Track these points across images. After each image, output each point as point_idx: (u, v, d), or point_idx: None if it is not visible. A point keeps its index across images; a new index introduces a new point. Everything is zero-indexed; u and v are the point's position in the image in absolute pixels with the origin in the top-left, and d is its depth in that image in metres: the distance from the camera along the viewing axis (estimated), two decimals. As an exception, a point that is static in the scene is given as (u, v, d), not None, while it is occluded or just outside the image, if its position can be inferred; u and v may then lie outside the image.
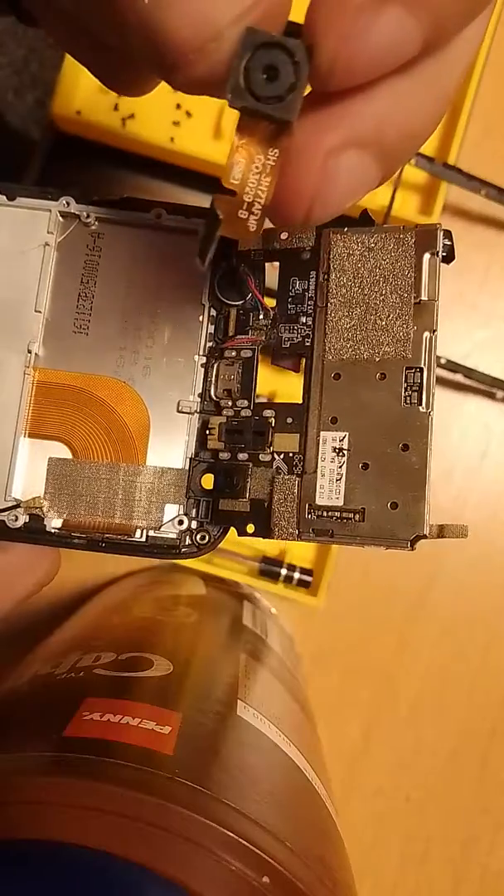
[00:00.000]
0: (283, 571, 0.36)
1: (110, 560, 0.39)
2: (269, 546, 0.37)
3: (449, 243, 0.18)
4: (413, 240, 0.18)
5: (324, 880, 0.16)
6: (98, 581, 0.39)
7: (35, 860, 0.14)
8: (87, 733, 0.17)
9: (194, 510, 0.19)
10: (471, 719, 0.39)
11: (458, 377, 0.37)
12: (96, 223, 0.20)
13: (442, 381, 0.39)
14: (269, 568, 0.37)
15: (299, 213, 0.15)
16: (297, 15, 0.13)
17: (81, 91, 0.37)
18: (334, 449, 0.18)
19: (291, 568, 0.37)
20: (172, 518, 0.19)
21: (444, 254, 0.18)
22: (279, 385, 0.34)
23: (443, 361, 0.36)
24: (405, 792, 0.39)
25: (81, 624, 0.31)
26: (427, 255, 0.18)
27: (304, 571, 0.37)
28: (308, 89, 0.13)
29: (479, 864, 0.39)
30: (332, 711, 0.38)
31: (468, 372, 0.36)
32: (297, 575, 0.36)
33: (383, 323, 0.18)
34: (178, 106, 0.37)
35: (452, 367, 0.36)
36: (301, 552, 0.38)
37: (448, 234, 0.18)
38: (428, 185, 0.37)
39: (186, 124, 0.37)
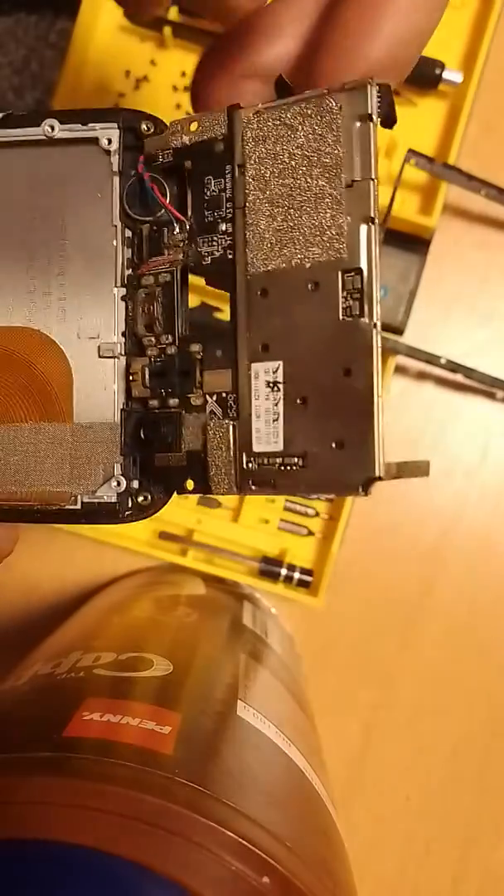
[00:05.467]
0: (283, 571, 0.36)
1: (110, 560, 0.39)
2: (270, 546, 0.37)
3: (386, 99, 0.14)
4: (338, 105, 0.14)
5: (324, 880, 0.16)
6: (98, 581, 0.39)
7: (35, 860, 0.14)
8: (87, 733, 0.17)
9: (133, 469, 0.17)
10: (471, 719, 0.39)
11: (458, 377, 0.37)
12: None
13: (442, 381, 0.39)
14: (269, 568, 0.37)
15: None
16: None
17: (82, 91, 0.37)
18: (268, 383, 0.15)
19: (291, 568, 0.37)
20: (107, 480, 0.17)
21: (380, 113, 0.14)
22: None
23: (443, 361, 0.36)
24: (405, 792, 0.39)
25: (81, 624, 0.31)
26: (357, 122, 0.14)
27: (304, 571, 0.37)
28: None
29: (479, 864, 0.39)
30: (332, 711, 0.38)
31: (468, 372, 0.36)
32: (297, 575, 0.36)
33: (312, 219, 0.15)
34: (178, 106, 0.37)
35: (452, 367, 0.36)
36: (301, 552, 0.38)
37: (385, 90, 0.14)
38: (428, 185, 0.37)
39: (186, 124, 0.37)
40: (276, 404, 0.15)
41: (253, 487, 0.16)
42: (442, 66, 0.36)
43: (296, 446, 0.15)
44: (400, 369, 0.38)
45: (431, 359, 0.35)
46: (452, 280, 0.39)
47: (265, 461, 0.15)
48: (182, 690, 0.21)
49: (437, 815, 0.39)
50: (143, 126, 0.17)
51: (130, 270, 0.17)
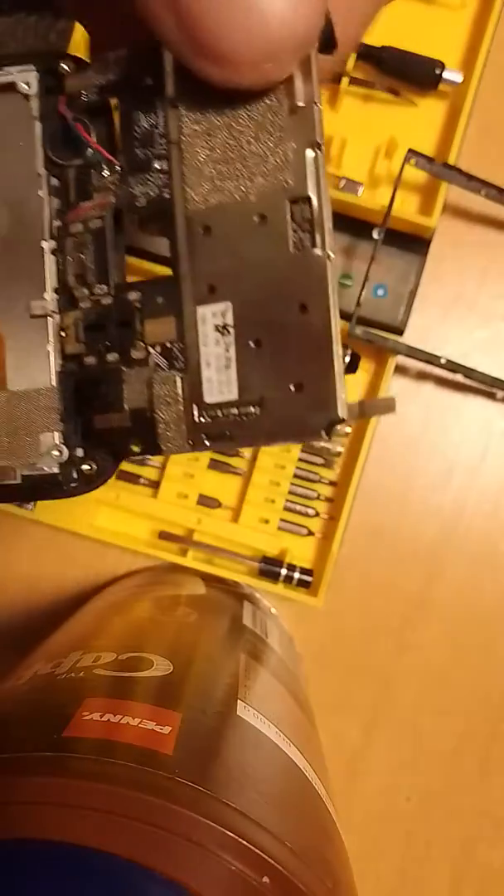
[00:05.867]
0: (283, 571, 0.36)
1: (110, 560, 0.39)
2: (270, 546, 0.37)
3: (325, 25, 0.14)
4: None
5: (324, 880, 0.16)
6: (98, 581, 0.39)
7: (35, 860, 0.14)
8: (87, 733, 0.17)
9: (75, 436, 0.16)
10: (471, 719, 0.39)
11: (458, 377, 0.37)
12: None
13: (442, 381, 0.39)
14: (269, 568, 0.37)
15: None
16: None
17: (81, 91, 0.37)
18: (217, 327, 0.14)
19: (291, 568, 0.37)
20: (48, 449, 0.16)
21: (320, 39, 0.14)
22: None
23: (443, 361, 0.36)
24: (405, 792, 0.39)
25: (81, 624, 0.31)
26: None
27: (304, 571, 0.37)
28: None
29: (479, 864, 0.39)
30: (332, 711, 0.38)
31: (468, 372, 0.36)
32: (297, 575, 0.36)
33: (254, 147, 0.14)
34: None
35: (452, 367, 0.36)
36: (301, 552, 0.38)
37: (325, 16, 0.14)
38: (428, 185, 0.37)
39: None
40: (227, 349, 0.14)
41: (207, 443, 0.15)
42: (442, 66, 0.35)
43: (251, 393, 0.14)
44: (400, 369, 0.38)
45: (431, 359, 0.35)
46: (452, 280, 0.39)
47: (219, 413, 0.14)
48: (182, 690, 0.21)
49: (437, 815, 0.39)
50: (63, 65, 0.16)
51: (60, 222, 0.16)
